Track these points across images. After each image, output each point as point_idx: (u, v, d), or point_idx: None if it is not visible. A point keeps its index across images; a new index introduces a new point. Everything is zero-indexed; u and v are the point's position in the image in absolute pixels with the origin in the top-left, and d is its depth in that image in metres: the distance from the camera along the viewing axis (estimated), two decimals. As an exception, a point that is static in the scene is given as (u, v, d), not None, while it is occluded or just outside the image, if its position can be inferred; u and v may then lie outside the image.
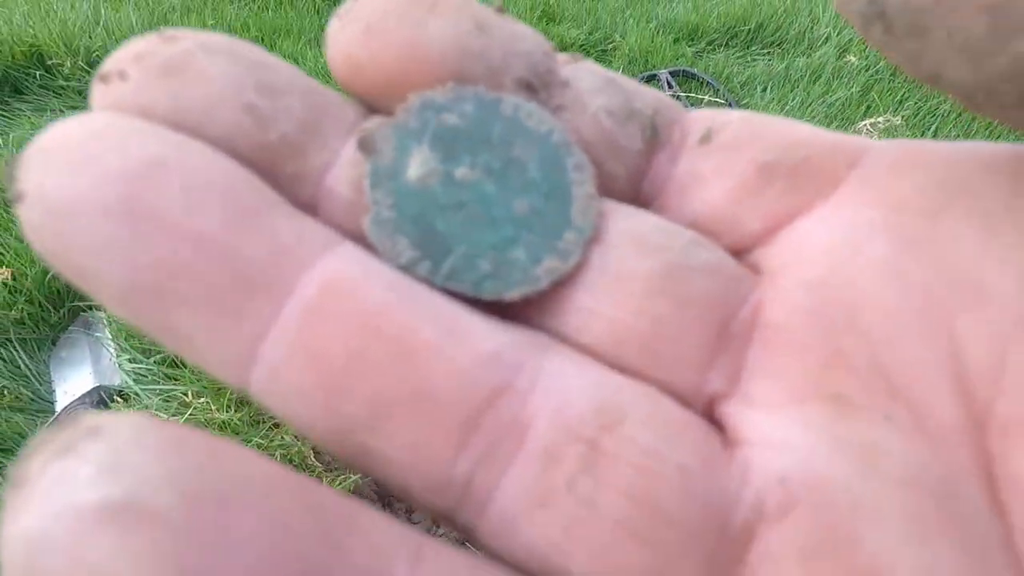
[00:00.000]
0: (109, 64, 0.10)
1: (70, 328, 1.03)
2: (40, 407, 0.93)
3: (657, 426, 0.09)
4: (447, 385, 0.09)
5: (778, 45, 2.12)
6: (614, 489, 0.09)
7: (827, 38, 2.08)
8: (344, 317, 0.09)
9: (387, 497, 0.91)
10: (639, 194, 0.12)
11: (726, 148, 0.12)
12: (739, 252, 0.12)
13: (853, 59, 1.95)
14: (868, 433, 0.09)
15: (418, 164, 0.11)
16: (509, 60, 0.11)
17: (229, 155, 0.09)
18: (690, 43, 2.10)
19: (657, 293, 0.10)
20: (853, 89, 1.81)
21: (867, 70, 1.90)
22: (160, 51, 0.10)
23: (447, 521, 0.09)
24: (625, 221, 0.11)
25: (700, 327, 0.10)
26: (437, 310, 0.10)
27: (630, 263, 0.10)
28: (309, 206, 0.10)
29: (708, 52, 2.08)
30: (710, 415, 0.10)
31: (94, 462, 0.07)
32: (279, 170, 0.10)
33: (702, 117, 0.12)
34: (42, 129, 0.09)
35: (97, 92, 0.10)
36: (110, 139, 0.09)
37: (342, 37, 0.11)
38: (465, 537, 0.09)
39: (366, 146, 0.11)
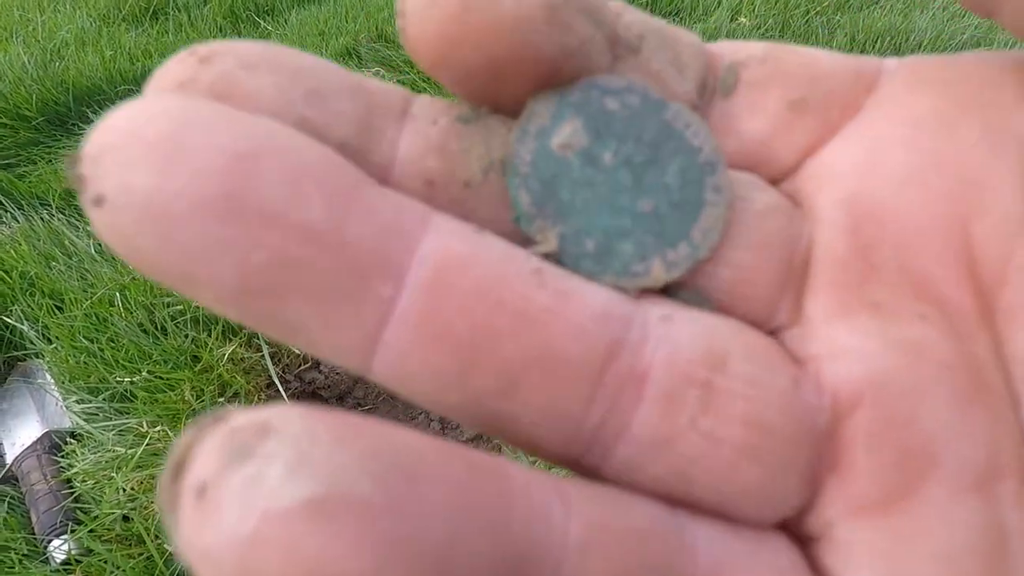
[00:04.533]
0: (154, 91, 0.10)
1: (9, 379, 1.00)
2: (-11, 462, 0.92)
3: (755, 358, 0.10)
4: (569, 346, 0.09)
5: (676, 15, 2.20)
6: (731, 420, 0.10)
7: (719, 3, 2.18)
8: (465, 294, 0.09)
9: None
10: None
11: (754, 86, 0.12)
12: (774, 182, 0.12)
13: (744, 20, 2.05)
14: (908, 331, 0.10)
15: (567, 133, 0.11)
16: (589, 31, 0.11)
17: None
18: (594, 21, 2.17)
19: (732, 243, 0.11)
20: (747, 49, 1.91)
21: (758, 29, 2.01)
22: (201, 76, 0.09)
23: (568, 465, 0.10)
24: None
25: (771, 268, 0.11)
26: (545, 274, 0.10)
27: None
28: None
29: (612, 28, 2.15)
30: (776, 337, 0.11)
31: (280, 461, 0.07)
32: None
33: (723, 51, 0.12)
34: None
35: None
36: (196, 127, 0.08)
37: (435, 13, 0.10)
38: (586, 476, 0.10)
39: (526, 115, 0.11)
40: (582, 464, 0.10)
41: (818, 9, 2.09)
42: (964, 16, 2.02)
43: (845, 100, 0.12)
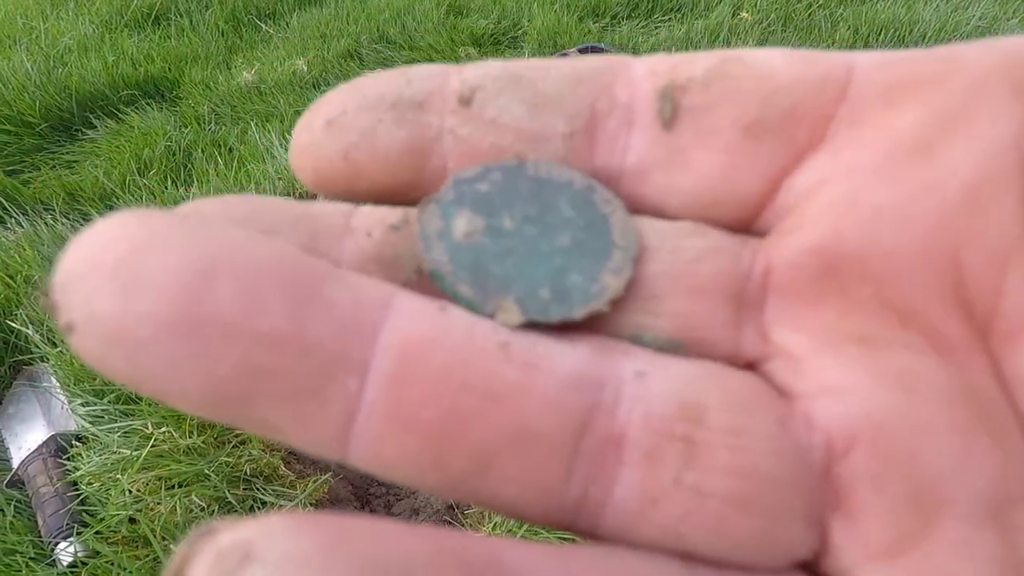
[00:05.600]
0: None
1: (14, 384, 1.00)
2: (-4, 466, 0.92)
3: (735, 404, 0.10)
4: (542, 420, 0.09)
5: (676, 11, 2.19)
6: (716, 471, 0.09)
7: (721, -2, 2.18)
8: (429, 379, 0.09)
9: (365, 496, 0.94)
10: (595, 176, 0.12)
11: (700, 113, 0.11)
12: (744, 219, 0.11)
13: (746, 16, 2.05)
14: (900, 363, 0.10)
15: (464, 224, 0.11)
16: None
17: None
18: (595, 19, 2.16)
19: (669, 294, 0.11)
20: (750, 43, 1.90)
21: (760, 24, 2.00)
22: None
23: (562, 529, 0.10)
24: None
25: (716, 307, 0.11)
26: (511, 346, 0.10)
27: (642, 270, 0.11)
28: None
29: (612, 26, 2.14)
30: (755, 372, 0.11)
31: None
32: None
33: (654, 70, 0.11)
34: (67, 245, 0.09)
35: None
36: (152, 248, 0.08)
37: (324, 149, 0.12)
38: (584, 535, 0.10)
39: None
40: (575, 528, 0.10)
41: (820, 2, 2.08)
42: (968, 7, 2.00)
43: (812, 116, 0.11)
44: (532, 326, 0.10)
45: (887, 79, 0.11)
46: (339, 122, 0.11)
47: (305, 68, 1.83)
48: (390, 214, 0.12)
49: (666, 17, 2.17)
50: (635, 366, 0.10)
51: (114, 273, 0.08)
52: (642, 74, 0.11)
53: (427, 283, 0.11)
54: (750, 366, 0.11)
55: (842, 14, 2.02)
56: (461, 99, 0.11)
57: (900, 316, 0.10)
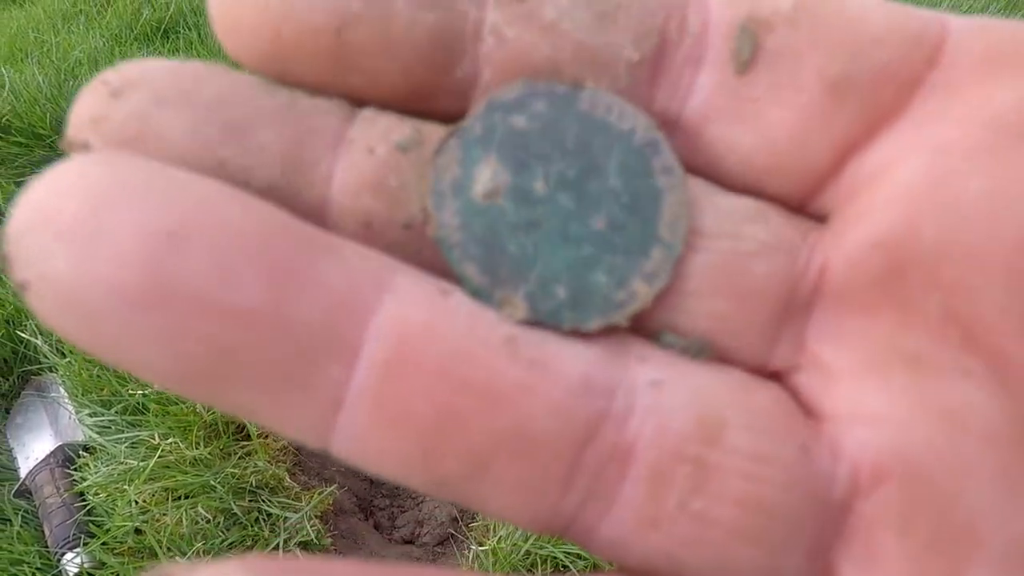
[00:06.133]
0: (72, 130, 0.09)
1: (23, 394, 1.01)
2: (3, 476, 0.92)
3: (756, 425, 0.09)
4: (544, 425, 0.08)
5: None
6: (726, 501, 0.09)
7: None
8: (424, 372, 0.08)
9: (369, 507, 0.94)
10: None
11: (782, 59, 0.09)
12: (804, 194, 0.10)
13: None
14: (951, 395, 0.09)
15: (486, 178, 0.09)
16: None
17: None
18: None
19: (713, 292, 0.10)
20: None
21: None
22: (112, 113, 0.09)
23: (553, 535, 0.09)
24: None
25: (760, 313, 0.10)
26: (517, 341, 0.09)
27: (686, 260, 0.10)
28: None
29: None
30: (781, 383, 0.10)
31: None
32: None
33: (732, 2, 0.10)
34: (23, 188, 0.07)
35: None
36: (117, 202, 0.07)
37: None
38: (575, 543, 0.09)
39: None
40: (566, 536, 0.09)
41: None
42: (985, 8, 2.01)
43: (901, 78, 0.09)
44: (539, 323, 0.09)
45: (986, 46, 0.09)
46: None
47: (312, 81, 1.85)
48: (398, 127, 0.09)
49: None
50: (651, 373, 0.09)
51: (72, 228, 0.07)
52: (721, 2, 0.10)
53: (423, 233, 0.09)
54: (776, 375, 0.10)
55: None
56: None
57: (965, 335, 0.09)
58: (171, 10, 2.11)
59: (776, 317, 0.10)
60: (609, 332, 0.10)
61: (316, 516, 0.85)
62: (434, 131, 0.10)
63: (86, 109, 0.09)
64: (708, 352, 0.10)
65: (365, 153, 0.09)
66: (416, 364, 0.08)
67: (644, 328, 0.10)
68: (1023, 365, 0.09)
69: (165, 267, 0.07)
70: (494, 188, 0.10)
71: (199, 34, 2.08)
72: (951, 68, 0.09)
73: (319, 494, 0.87)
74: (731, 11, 0.10)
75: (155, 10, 2.10)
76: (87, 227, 0.07)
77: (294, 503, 0.85)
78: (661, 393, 0.09)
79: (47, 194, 0.07)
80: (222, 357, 0.08)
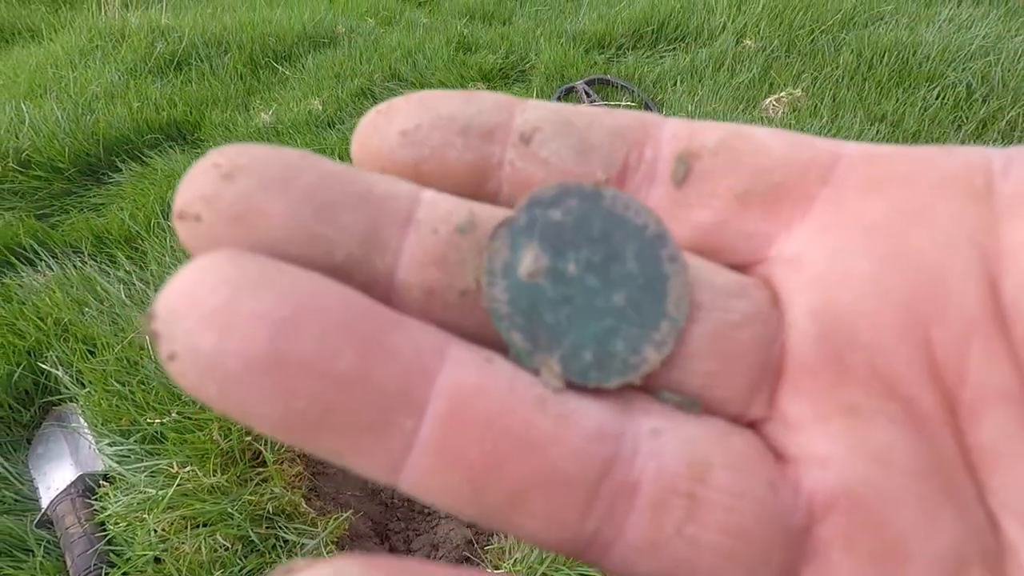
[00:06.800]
0: (183, 202, 0.11)
1: (44, 424, 1.03)
2: (25, 506, 0.94)
3: (736, 467, 0.11)
4: (568, 466, 0.10)
5: (681, 40, 2.23)
6: (712, 528, 0.11)
7: (724, 27, 2.21)
8: (475, 425, 0.10)
9: (384, 532, 0.94)
10: None
11: (704, 178, 0.13)
12: (736, 268, 0.13)
13: (750, 43, 2.07)
14: (879, 437, 0.11)
15: (529, 261, 0.12)
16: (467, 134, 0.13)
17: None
18: (600, 51, 2.20)
19: (706, 356, 0.12)
20: (754, 70, 1.92)
21: (764, 51, 2.03)
22: (223, 193, 0.11)
23: (572, 556, 0.11)
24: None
25: (742, 374, 0.12)
26: (546, 400, 0.11)
27: (689, 329, 0.12)
28: (384, 301, 0.11)
29: (618, 57, 2.17)
30: (756, 431, 0.12)
31: None
32: (348, 284, 0.11)
33: (676, 134, 0.13)
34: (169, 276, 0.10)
35: (180, 228, 0.11)
36: (245, 295, 0.10)
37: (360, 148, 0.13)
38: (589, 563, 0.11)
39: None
40: (584, 557, 0.11)
41: (823, 27, 2.11)
42: (972, 27, 2.01)
43: (796, 193, 0.13)
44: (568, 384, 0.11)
45: (867, 172, 0.12)
46: (413, 136, 0.13)
47: (320, 107, 1.89)
48: (457, 210, 0.12)
49: (671, 47, 2.21)
50: (652, 423, 0.11)
51: (213, 314, 0.10)
52: (667, 137, 0.13)
53: (476, 299, 0.12)
54: (752, 424, 0.12)
55: (845, 38, 2.04)
56: (522, 137, 0.13)
57: (886, 387, 0.11)
58: (184, 43, 2.16)
59: (755, 377, 0.12)
60: (624, 389, 0.12)
61: (332, 541, 0.85)
62: (485, 212, 0.12)
63: (198, 187, 0.11)
64: (698, 407, 0.12)
65: (430, 231, 0.12)
66: (468, 418, 0.10)
67: (647, 385, 0.12)
68: (931, 408, 0.11)
69: (282, 345, 0.10)
70: (536, 270, 0.12)
71: (211, 65, 2.13)
72: (841, 187, 0.12)
73: (335, 519, 0.87)
74: (673, 145, 0.13)
75: (168, 43, 2.15)
76: (224, 314, 0.10)
77: (310, 529, 0.86)
78: (660, 440, 0.11)
79: (191, 286, 0.10)
80: (323, 411, 0.10)
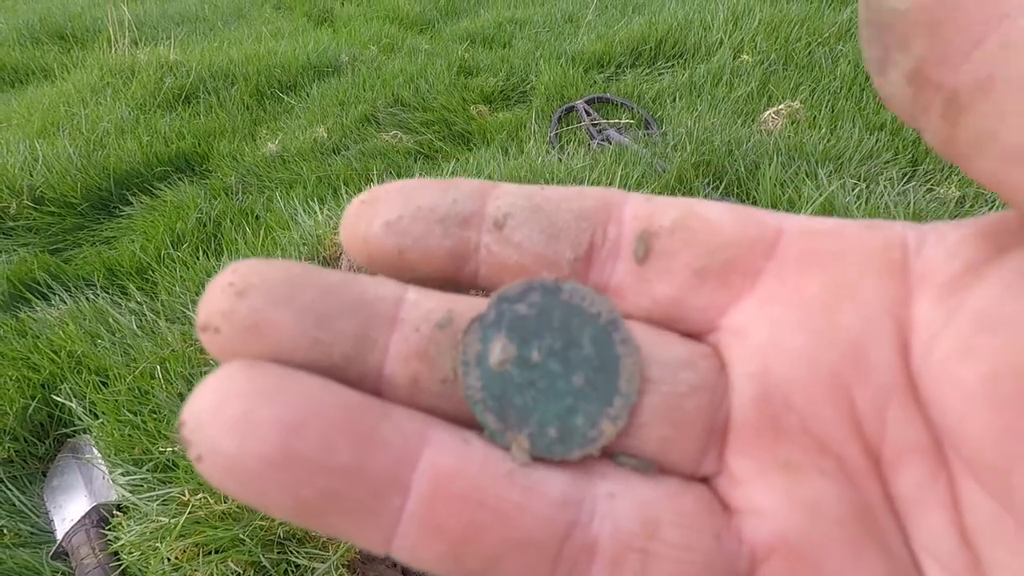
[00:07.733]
0: (204, 317, 0.13)
1: (58, 456, 1.04)
2: (41, 539, 0.95)
3: (683, 523, 0.13)
4: (535, 532, 0.12)
5: (679, 57, 2.25)
6: None
7: (721, 43, 2.23)
8: (453, 500, 0.12)
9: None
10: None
11: (663, 256, 0.14)
12: (692, 336, 0.14)
13: (747, 57, 2.10)
14: (811, 490, 0.13)
15: (498, 352, 0.14)
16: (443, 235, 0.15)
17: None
18: (599, 70, 2.22)
19: (659, 423, 0.14)
20: (752, 84, 1.93)
21: (761, 65, 2.05)
22: (238, 308, 0.13)
23: None
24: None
25: (692, 438, 0.14)
26: (514, 474, 0.13)
27: (639, 403, 0.14)
28: (374, 392, 0.13)
29: (618, 75, 2.20)
30: (707, 485, 0.14)
31: None
32: (344, 378, 0.13)
33: (636, 214, 0.15)
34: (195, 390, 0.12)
35: (204, 338, 0.13)
36: (260, 405, 0.11)
37: (368, 231, 0.14)
38: None
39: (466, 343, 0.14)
40: None
41: (819, 40, 2.12)
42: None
43: (744, 267, 0.14)
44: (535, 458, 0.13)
45: (803, 247, 0.14)
46: (396, 226, 0.14)
47: (325, 135, 1.92)
48: (436, 308, 0.14)
49: (669, 64, 2.23)
50: (608, 487, 0.13)
51: (232, 422, 0.11)
52: (628, 217, 0.15)
53: (454, 385, 0.14)
54: (704, 479, 0.14)
55: (842, 49, 2.05)
56: (496, 223, 0.15)
57: (818, 444, 0.13)
58: (191, 77, 2.21)
59: (704, 439, 0.14)
60: (584, 460, 0.14)
61: (343, 565, 0.85)
62: (462, 306, 0.14)
63: (216, 304, 0.13)
64: (653, 469, 0.14)
65: (413, 330, 0.14)
66: (447, 494, 0.12)
67: (607, 451, 0.14)
68: (857, 463, 0.13)
69: (290, 444, 0.11)
70: (504, 359, 0.14)
71: (218, 98, 2.18)
72: (782, 261, 0.14)
73: (345, 543, 0.87)
74: (634, 225, 0.15)
75: (177, 78, 2.20)
76: (242, 422, 0.11)
77: (321, 553, 0.86)
78: (615, 502, 0.13)
79: (213, 396, 0.12)
80: (327, 498, 0.12)
